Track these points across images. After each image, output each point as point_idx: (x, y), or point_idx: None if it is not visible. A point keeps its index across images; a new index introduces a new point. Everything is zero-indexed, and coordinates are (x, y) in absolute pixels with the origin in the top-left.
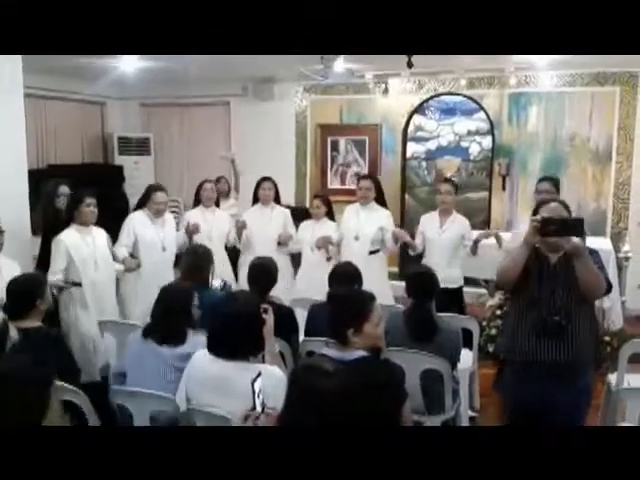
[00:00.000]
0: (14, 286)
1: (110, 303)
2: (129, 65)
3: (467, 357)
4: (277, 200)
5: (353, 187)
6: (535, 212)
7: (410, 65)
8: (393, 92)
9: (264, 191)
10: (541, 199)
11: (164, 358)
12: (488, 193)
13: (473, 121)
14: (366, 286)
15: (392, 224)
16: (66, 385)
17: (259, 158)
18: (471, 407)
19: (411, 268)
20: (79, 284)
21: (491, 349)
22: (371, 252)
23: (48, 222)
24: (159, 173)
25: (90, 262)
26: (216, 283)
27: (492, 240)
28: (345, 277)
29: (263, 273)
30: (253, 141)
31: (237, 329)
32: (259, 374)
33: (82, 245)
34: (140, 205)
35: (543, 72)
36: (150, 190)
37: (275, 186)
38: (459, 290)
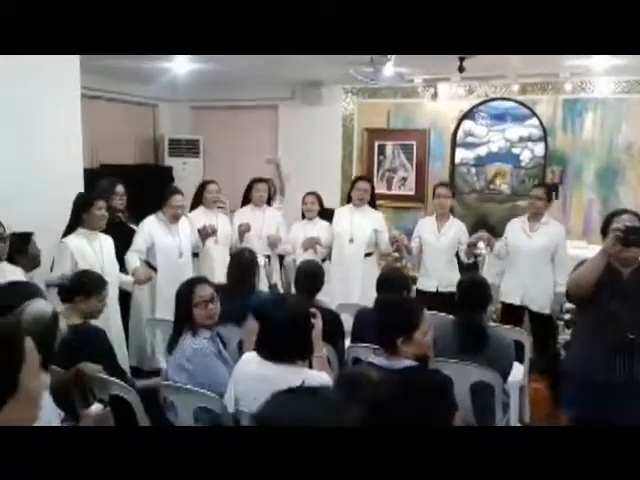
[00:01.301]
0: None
1: (114, 310)
2: (181, 68)
3: (517, 370)
4: (269, 202)
5: (399, 192)
6: (607, 223)
7: (462, 69)
8: (442, 97)
9: (257, 192)
10: (531, 203)
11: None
12: None
13: (525, 127)
14: (362, 289)
15: (385, 226)
16: (117, 381)
17: (305, 161)
18: (521, 421)
19: (463, 276)
20: None
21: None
22: (366, 254)
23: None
24: (207, 174)
25: (96, 270)
26: (260, 260)
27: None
28: (394, 284)
29: (310, 276)
30: (300, 144)
31: (285, 332)
32: (303, 382)
33: (89, 252)
34: (156, 209)
35: (600, 78)
36: (168, 194)
37: (269, 188)
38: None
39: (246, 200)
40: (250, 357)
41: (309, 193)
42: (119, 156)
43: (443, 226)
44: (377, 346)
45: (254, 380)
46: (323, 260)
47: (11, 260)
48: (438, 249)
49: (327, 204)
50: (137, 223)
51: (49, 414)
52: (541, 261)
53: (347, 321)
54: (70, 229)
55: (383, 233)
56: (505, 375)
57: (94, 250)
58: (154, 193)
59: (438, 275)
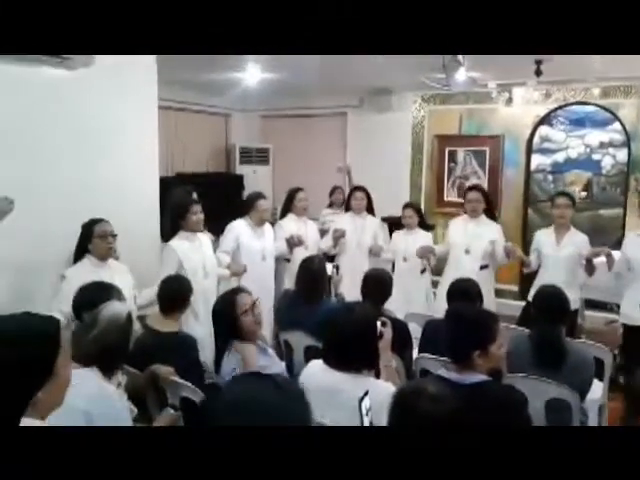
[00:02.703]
0: (168, 285)
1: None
2: (252, 78)
3: (596, 388)
4: (369, 210)
5: None
6: None
7: (539, 73)
8: (517, 101)
9: (356, 200)
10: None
11: None
12: (622, 210)
13: (606, 132)
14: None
15: (503, 238)
16: (187, 383)
17: (374, 169)
18: None
19: (540, 287)
20: None
21: (622, 380)
22: (482, 267)
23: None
24: (276, 182)
25: (200, 269)
26: (328, 269)
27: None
28: (467, 294)
29: (378, 285)
30: (368, 152)
31: (351, 341)
32: (366, 393)
33: (192, 252)
34: (243, 214)
35: None
36: (253, 198)
37: (367, 195)
38: (574, 313)
39: (347, 208)
40: (316, 365)
41: (407, 206)
42: (193, 165)
43: (563, 238)
44: (447, 358)
45: (319, 388)
46: (423, 270)
47: None
48: (557, 262)
49: (396, 212)
50: (210, 229)
51: (121, 411)
52: None
53: (415, 331)
54: (172, 232)
55: (499, 244)
56: (583, 393)
57: (196, 251)
58: (226, 200)
59: None
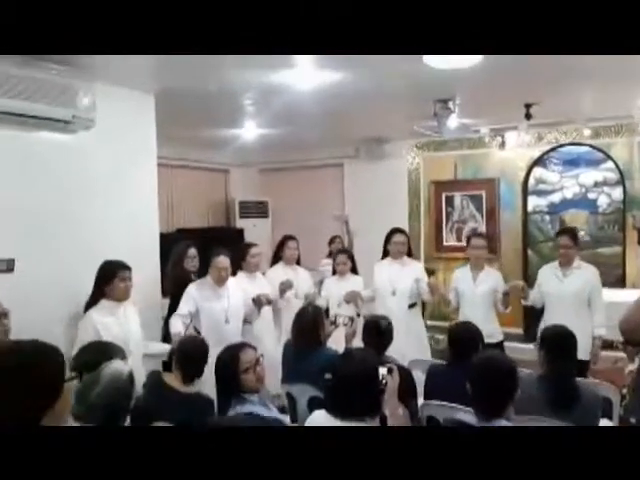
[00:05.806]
0: (191, 347)
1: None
2: (250, 133)
3: None
4: (298, 261)
5: None
6: None
7: (529, 117)
8: (510, 145)
9: (289, 250)
10: (563, 252)
11: None
12: (622, 248)
13: (600, 171)
14: (407, 341)
15: (425, 275)
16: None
17: (372, 217)
18: None
19: (548, 328)
20: None
21: (634, 420)
22: (410, 306)
23: (176, 283)
24: (275, 234)
25: (120, 343)
26: (343, 320)
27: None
28: (473, 340)
29: (378, 332)
30: (366, 201)
31: (351, 388)
32: None
33: (113, 325)
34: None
35: None
36: (212, 254)
37: (298, 246)
38: (500, 345)
39: (277, 258)
40: (319, 415)
41: (340, 252)
42: (193, 220)
43: (479, 276)
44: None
45: None
46: (358, 315)
47: None
48: (474, 300)
49: None
50: None
51: None
52: (576, 306)
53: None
54: (93, 301)
55: (424, 282)
56: None
57: (119, 322)
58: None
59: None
